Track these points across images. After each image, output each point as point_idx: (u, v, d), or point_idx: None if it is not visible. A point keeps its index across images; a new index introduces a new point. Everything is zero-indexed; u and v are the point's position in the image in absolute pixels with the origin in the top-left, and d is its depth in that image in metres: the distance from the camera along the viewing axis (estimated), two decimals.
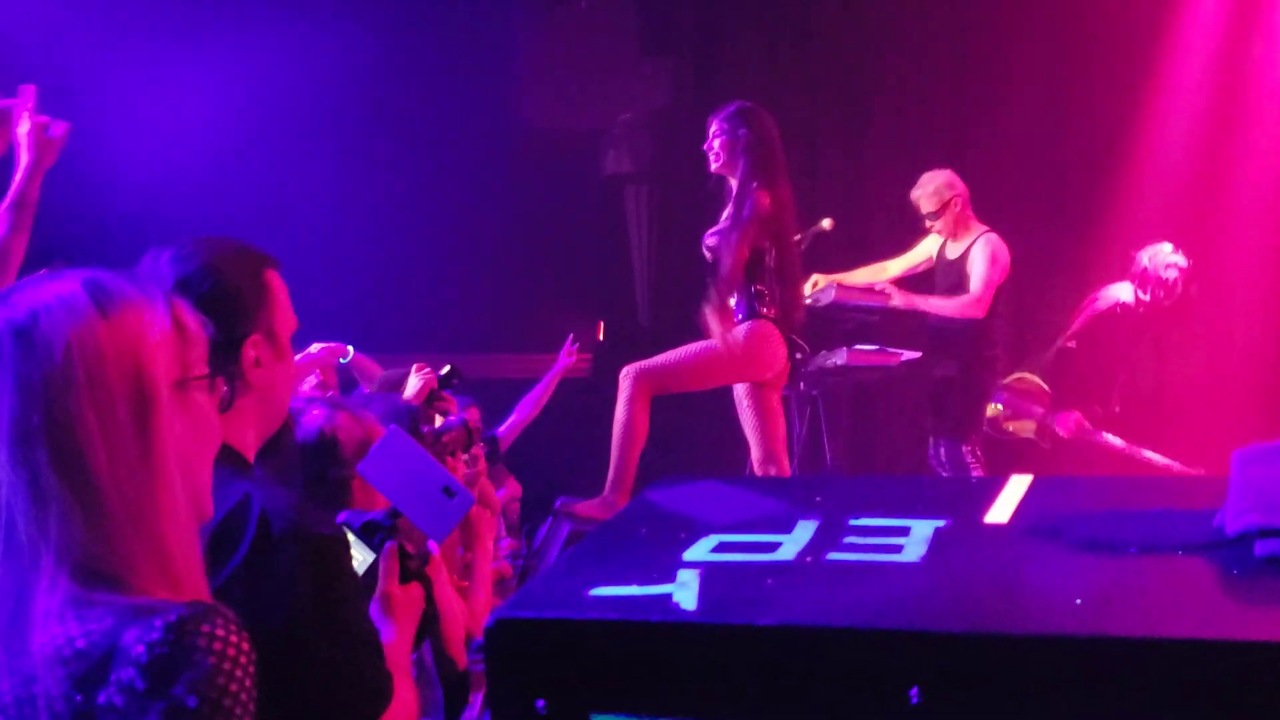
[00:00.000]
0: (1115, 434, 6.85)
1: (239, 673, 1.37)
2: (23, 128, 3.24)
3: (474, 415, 6.34)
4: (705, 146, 5.35)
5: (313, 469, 2.97)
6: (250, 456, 2.11)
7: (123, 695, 1.34)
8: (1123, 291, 6.94)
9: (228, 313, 2.01)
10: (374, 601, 2.15)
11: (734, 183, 5.28)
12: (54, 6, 6.89)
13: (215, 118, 7.53)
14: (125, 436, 1.43)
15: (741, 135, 5.25)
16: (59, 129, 3.27)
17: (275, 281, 2.15)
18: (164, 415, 1.46)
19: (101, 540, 1.40)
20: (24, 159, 3.23)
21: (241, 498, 1.90)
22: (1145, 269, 6.77)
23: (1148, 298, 6.78)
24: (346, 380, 5.57)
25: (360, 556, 2.14)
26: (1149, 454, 6.73)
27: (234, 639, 1.38)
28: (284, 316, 2.15)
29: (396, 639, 2.11)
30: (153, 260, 2.10)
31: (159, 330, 1.49)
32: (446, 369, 4.63)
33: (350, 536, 2.12)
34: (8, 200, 3.22)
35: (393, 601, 2.14)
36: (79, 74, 6.58)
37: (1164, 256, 6.74)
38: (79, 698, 1.35)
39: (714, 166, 5.34)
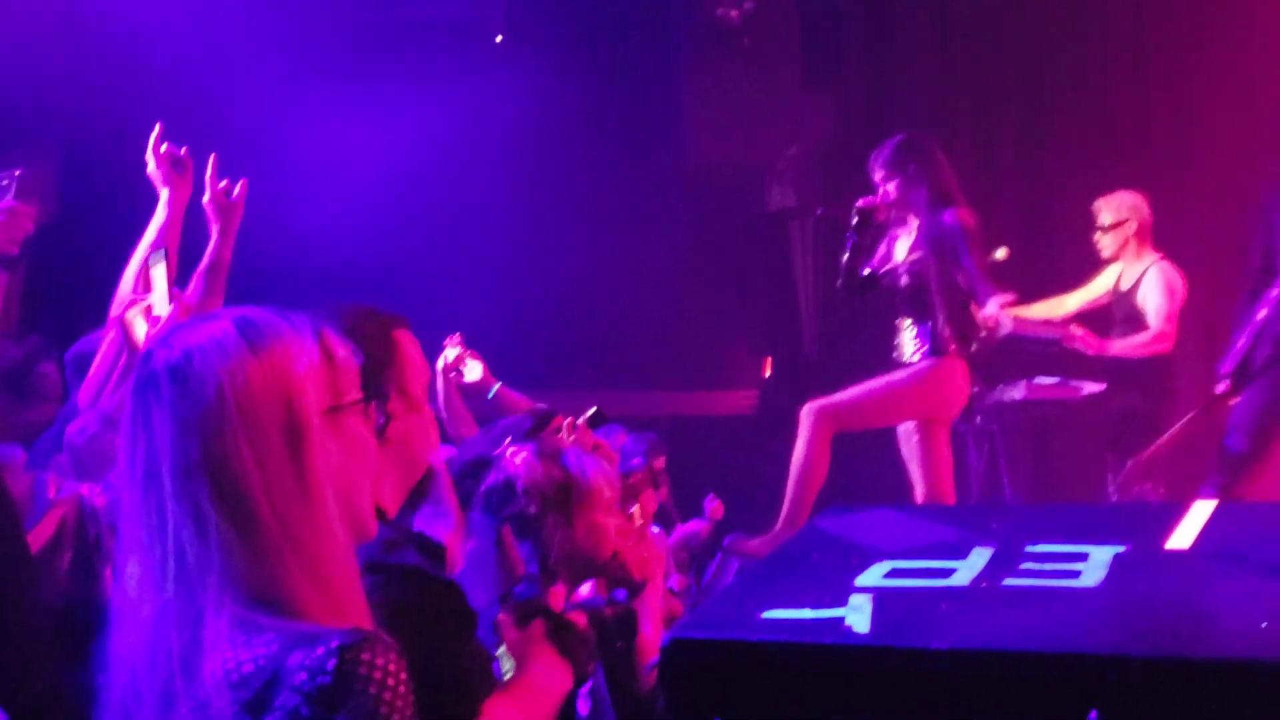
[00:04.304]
0: None
1: (399, 702, 1.39)
2: (204, 197, 3.35)
3: (661, 462, 6.39)
4: (880, 197, 5.27)
5: (502, 510, 3.02)
6: (389, 506, 2.18)
7: None
8: None
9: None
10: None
11: (911, 218, 5.24)
12: (227, 56, 7.20)
13: (387, 162, 7.78)
14: (280, 466, 1.48)
15: (912, 170, 5.20)
16: (239, 190, 3.37)
17: (404, 339, 2.24)
18: (316, 444, 1.51)
19: (263, 567, 1.44)
20: (214, 228, 3.33)
21: None
22: None
23: None
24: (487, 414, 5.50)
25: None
26: None
27: (393, 668, 1.40)
28: (415, 372, 2.24)
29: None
30: None
31: (308, 362, 1.54)
32: (593, 410, 4.65)
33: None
34: (202, 266, 3.33)
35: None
36: (247, 122, 6.87)
37: None
38: None
39: (886, 211, 5.28)
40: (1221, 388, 5.40)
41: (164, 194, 3.27)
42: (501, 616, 2.27)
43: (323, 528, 1.49)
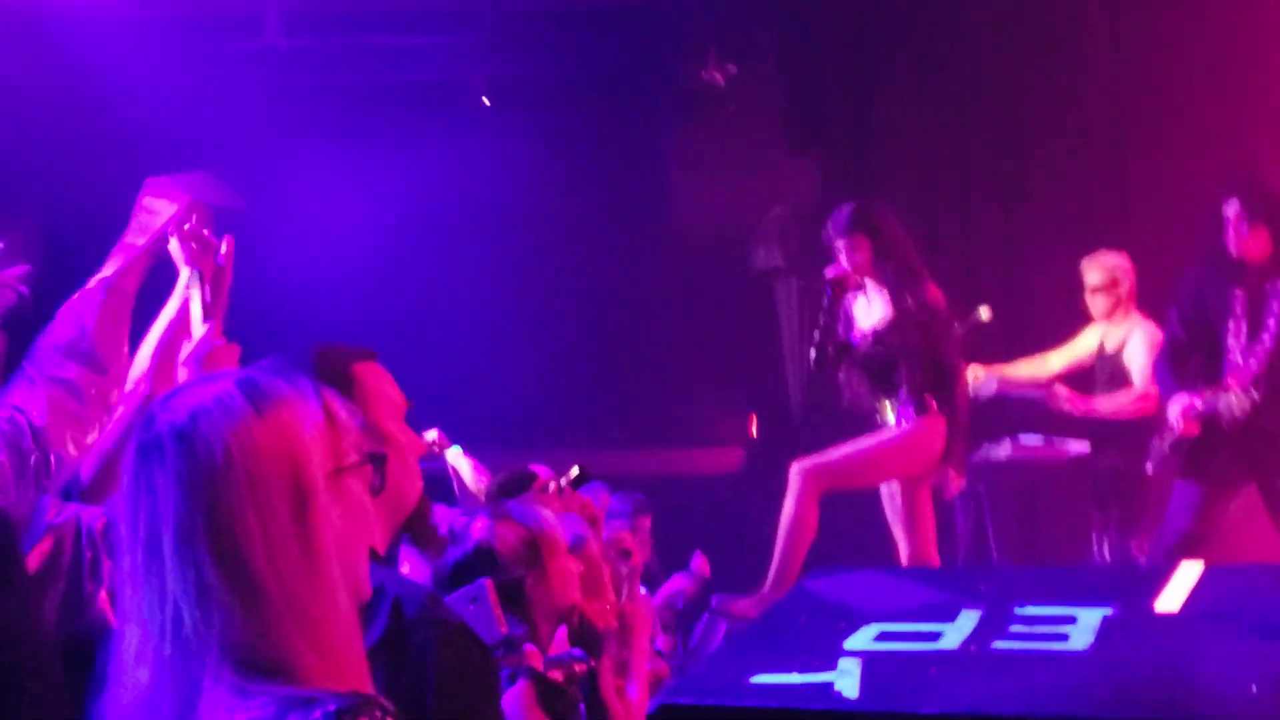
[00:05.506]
0: None
1: None
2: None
3: (646, 521, 6.35)
4: (842, 266, 5.27)
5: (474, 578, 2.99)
6: (380, 546, 2.14)
7: None
8: None
9: None
10: None
11: (874, 286, 5.27)
12: (211, 116, 7.23)
13: (377, 222, 7.80)
14: (285, 532, 1.45)
15: (879, 237, 5.24)
16: (225, 250, 3.05)
17: (365, 374, 2.19)
18: (322, 507, 1.49)
19: (264, 634, 1.42)
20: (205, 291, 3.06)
21: (376, 585, 1.93)
22: None
23: None
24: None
25: None
26: None
27: None
28: (380, 405, 2.18)
29: None
30: None
31: (312, 424, 1.52)
32: (576, 470, 4.61)
33: None
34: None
35: None
36: (233, 181, 6.88)
37: None
38: None
39: (853, 280, 5.30)
40: None
41: (184, 274, 3.02)
42: None
43: (325, 593, 1.46)
